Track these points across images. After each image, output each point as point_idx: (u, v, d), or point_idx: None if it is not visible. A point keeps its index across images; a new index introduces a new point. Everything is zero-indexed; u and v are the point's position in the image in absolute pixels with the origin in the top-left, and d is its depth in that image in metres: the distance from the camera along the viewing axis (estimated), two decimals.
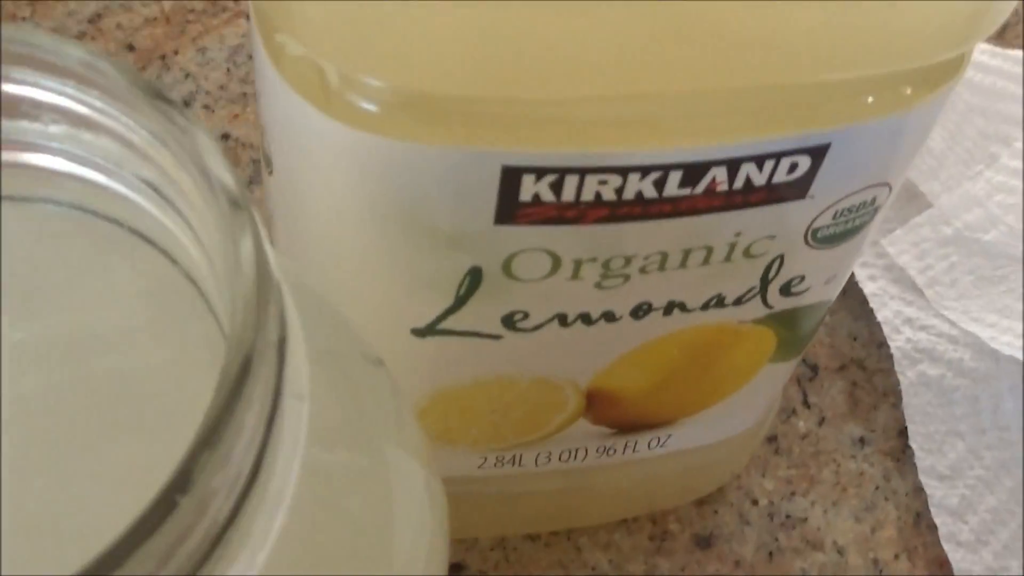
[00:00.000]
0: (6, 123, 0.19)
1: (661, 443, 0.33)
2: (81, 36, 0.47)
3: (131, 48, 0.47)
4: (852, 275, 0.44)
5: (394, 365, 0.27)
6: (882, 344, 0.43)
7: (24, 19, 0.47)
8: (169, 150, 0.17)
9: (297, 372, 0.17)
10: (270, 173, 0.26)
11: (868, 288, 0.44)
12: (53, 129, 0.19)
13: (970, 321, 0.42)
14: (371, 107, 0.22)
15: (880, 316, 0.43)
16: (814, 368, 0.43)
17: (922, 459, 0.40)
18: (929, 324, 0.43)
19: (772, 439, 0.41)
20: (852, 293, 0.44)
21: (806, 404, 0.42)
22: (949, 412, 0.41)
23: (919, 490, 0.40)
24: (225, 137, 0.45)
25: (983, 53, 0.49)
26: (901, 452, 0.41)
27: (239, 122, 0.45)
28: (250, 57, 0.47)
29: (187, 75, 0.46)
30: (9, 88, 0.18)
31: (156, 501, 0.14)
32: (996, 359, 0.42)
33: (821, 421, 0.41)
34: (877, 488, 0.40)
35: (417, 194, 0.23)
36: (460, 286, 0.25)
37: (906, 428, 0.41)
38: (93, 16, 0.47)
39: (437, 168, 0.23)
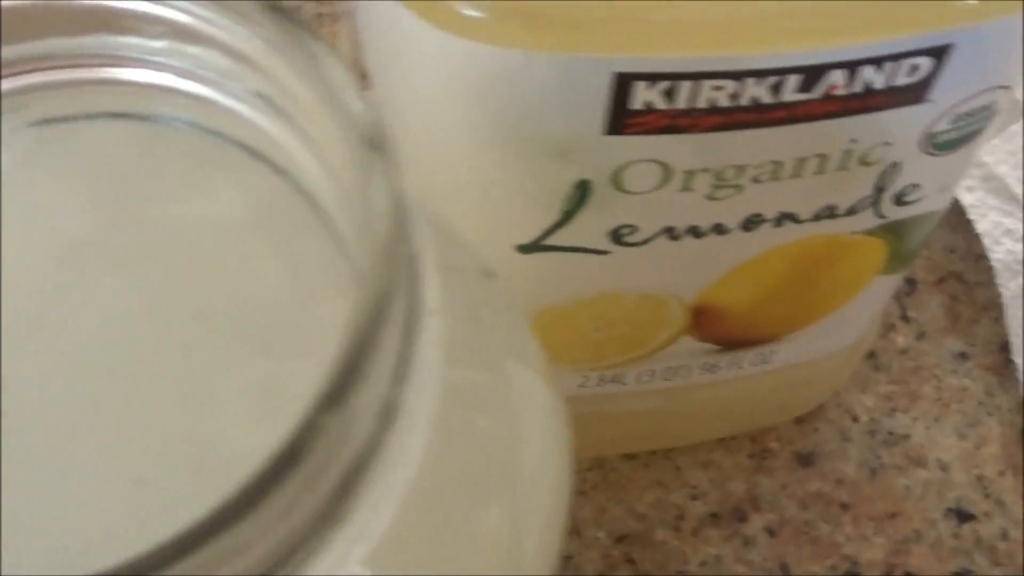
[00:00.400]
0: (107, 38, 0.18)
1: (765, 359, 0.32)
2: None
3: None
4: None
5: None
6: (980, 257, 0.42)
7: None
8: (286, 60, 0.16)
9: (428, 287, 0.16)
10: (367, 88, 0.25)
11: (966, 199, 0.43)
12: (157, 44, 0.19)
13: None
14: (476, 14, 0.21)
15: (979, 228, 0.42)
16: (911, 282, 0.42)
17: None
18: None
19: (871, 355, 0.40)
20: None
21: (904, 319, 0.41)
22: None
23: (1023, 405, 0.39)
24: None
25: None
26: (1003, 367, 0.40)
27: None
28: None
29: None
30: (110, 2, 0.18)
31: (304, 423, 0.13)
32: None
33: (920, 336, 0.40)
34: (980, 403, 0.39)
35: (524, 104, 0.23)
36: (567, 200, 0.25)
37: (1008, 342, 0.40)
38: None
39: (545, 76, 0.22)
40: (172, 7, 0.18)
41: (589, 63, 0.22)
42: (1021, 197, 0.42)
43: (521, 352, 0.21)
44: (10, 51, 0.18)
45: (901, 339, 0.40)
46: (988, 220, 0.42)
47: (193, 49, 0.18)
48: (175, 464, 0.17)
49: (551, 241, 0.26)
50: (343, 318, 0.18)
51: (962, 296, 0.42)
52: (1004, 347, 0.40)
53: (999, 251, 0.42)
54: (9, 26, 0.18)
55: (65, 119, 0.20)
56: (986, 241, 0.42)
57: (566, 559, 0.35)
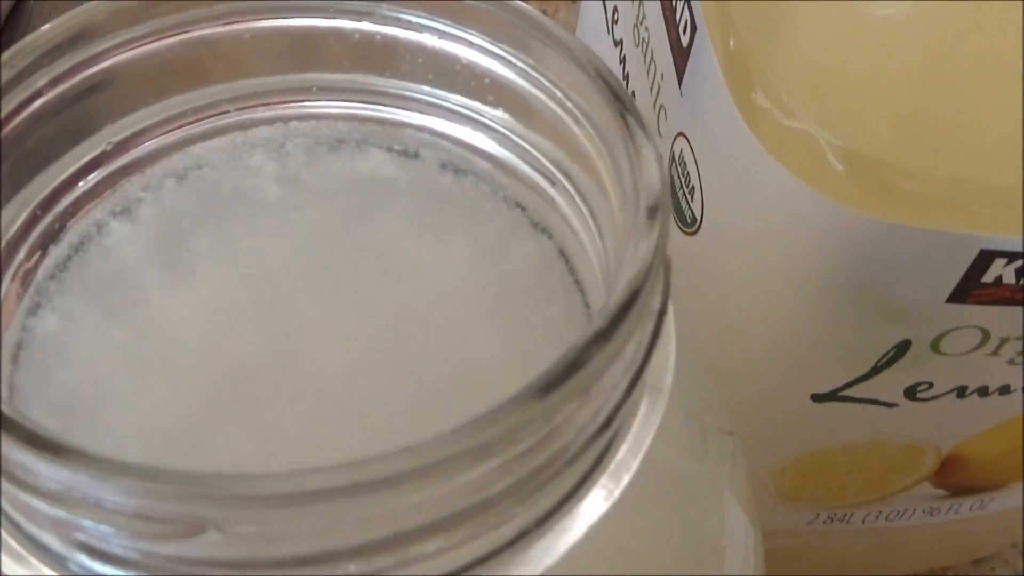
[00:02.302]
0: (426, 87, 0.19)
1: (983, 506, 0.33)
2: None
3: None
4: None
5: (779, 426, 0.27)
6: None
7: None
8: (597, 135, 0.17)
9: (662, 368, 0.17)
10: (693, 232, 0.26)
11: None
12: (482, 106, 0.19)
13: None
14: (854, 180, 0.22)
15: None
16: None
17: None
18: None
19: None
20: None
21: None
22: None
23: None
24: None
25: None
26: None
27: None
28: None
29: None
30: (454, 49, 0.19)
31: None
32: None
33: None
34: None
35: (879, 268, 0.23)
36: (882, 357, 0.25)
37: None
38: None
39: (912, 246, 0.23)
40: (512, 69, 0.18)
41: (958, 239, 0.22)
42: None
43: (737, 492, 0.21)
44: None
45: None
46: None
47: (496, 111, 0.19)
48: None
49: (849, 392, 0.26)
50: None
51: None
52: None
53: None
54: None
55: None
56: None
57: None
